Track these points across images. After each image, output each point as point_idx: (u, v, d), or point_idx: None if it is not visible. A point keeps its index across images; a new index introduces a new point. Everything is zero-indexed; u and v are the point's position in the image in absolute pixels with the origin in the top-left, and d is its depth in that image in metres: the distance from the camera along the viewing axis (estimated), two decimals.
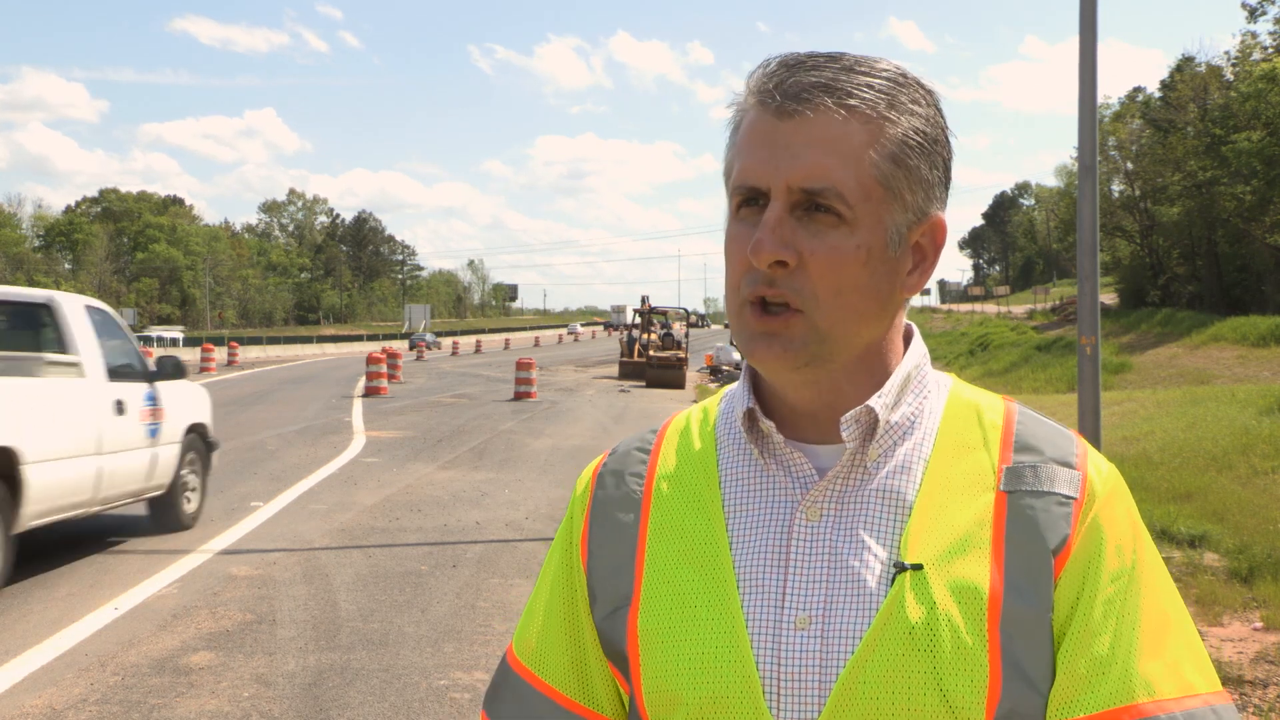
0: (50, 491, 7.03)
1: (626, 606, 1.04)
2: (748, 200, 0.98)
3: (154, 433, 8.35)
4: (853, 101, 0.95)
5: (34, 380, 7.27)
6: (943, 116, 1.01)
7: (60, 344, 7.70)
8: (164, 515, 8.74)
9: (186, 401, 9.09)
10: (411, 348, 60.45)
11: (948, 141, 1.02)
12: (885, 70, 0.98)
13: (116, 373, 8.00)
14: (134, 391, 8.11)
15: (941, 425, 1.02)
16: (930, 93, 1.01)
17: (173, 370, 8.67)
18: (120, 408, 7.83)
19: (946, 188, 1.02)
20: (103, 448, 7.58)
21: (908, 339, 1.06)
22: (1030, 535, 0.96)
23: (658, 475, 1.09)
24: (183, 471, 8.84)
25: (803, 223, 0.95)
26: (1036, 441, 1.01)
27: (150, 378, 8.48)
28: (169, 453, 8.60)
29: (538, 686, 1.11)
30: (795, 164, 0.95)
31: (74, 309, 7.89)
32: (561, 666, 1.10)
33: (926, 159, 0.99)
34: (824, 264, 0.95)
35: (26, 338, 7.94)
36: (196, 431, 9.20)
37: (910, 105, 0.98)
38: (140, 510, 9.03)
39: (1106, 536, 0.97)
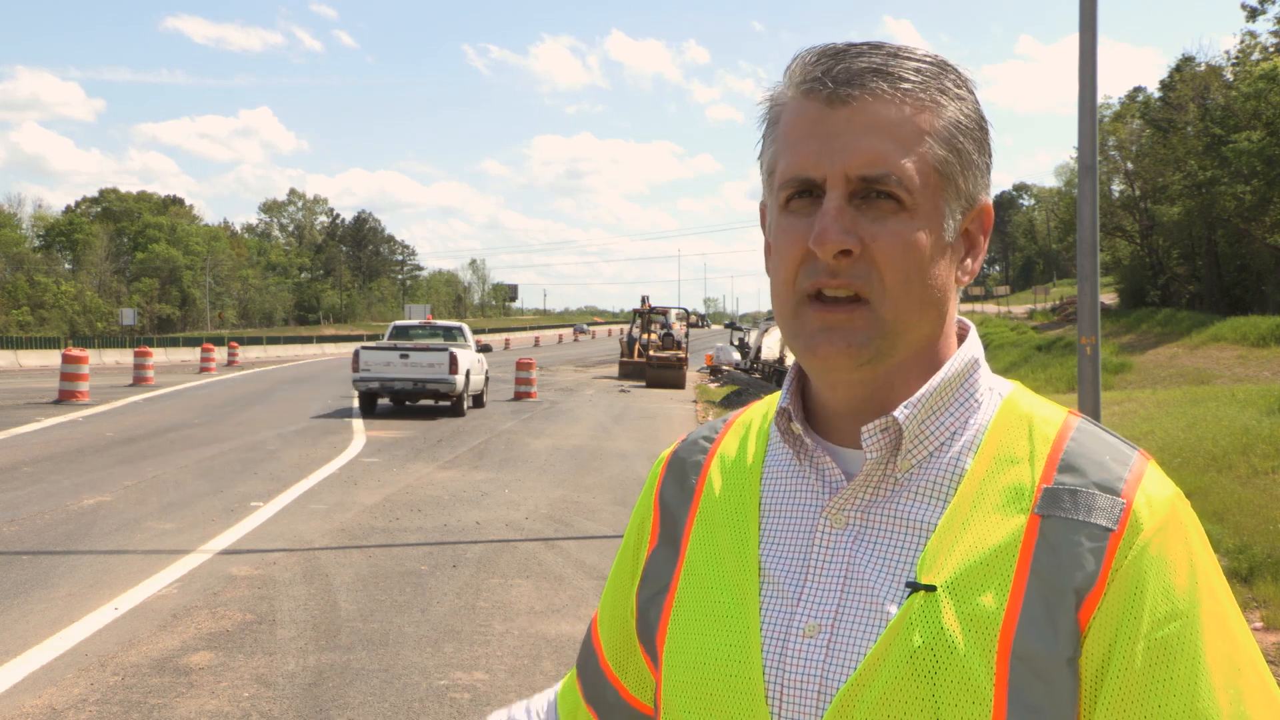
0: (472, 386, 20.68)
1: (664, 594, 1.05)
2: (799, 193, 0.94)
3: (482, 370, 21.58)
4: (906, 85, 0.93)
5: (467, 350, 20.33)
6: (979, 103, 0.99)
7: (464, 339, 21.56)
8: (478, 402, 21.60)
9: (487, 360, 22.54)
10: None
11: (988, 128, 0.99)
12: (928, 56, 0.96)
13: (475, 349, 21.43)
14: (479, 355, 21.43)
15: (986, 437, 0.96)
16: (969, 79, 0.98)
17: (484, 348, 22.16)
18: (478, 360, 21.16)
19: (990, 173, 1.00)
20: (476, 373, 20.79)
21: (962, 338, 1.02)
22: (1055, 568, 0.88)
23: (712, 468, 1.09)
24: (485, 387, 22.30)
25: (862, 211, 0.92)
26: (1083, 462, 0.92)
27: (479, 350, 21.63)
28: (482, 380, 21.70)
29: (606, 673, 1.18)
30: (853, 151, 0.91)
31: (465, 328, 22.21)
32: (625, 660, 1.16)
33: (976, 143, 0.96)
34: (889, 251, 0.91)
35: (453, 336, 21.54)
36: (487, 372, 22.59)
37: (956, 90, 0.96)
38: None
39: (1151, 575, 0.87)
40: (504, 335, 77.23)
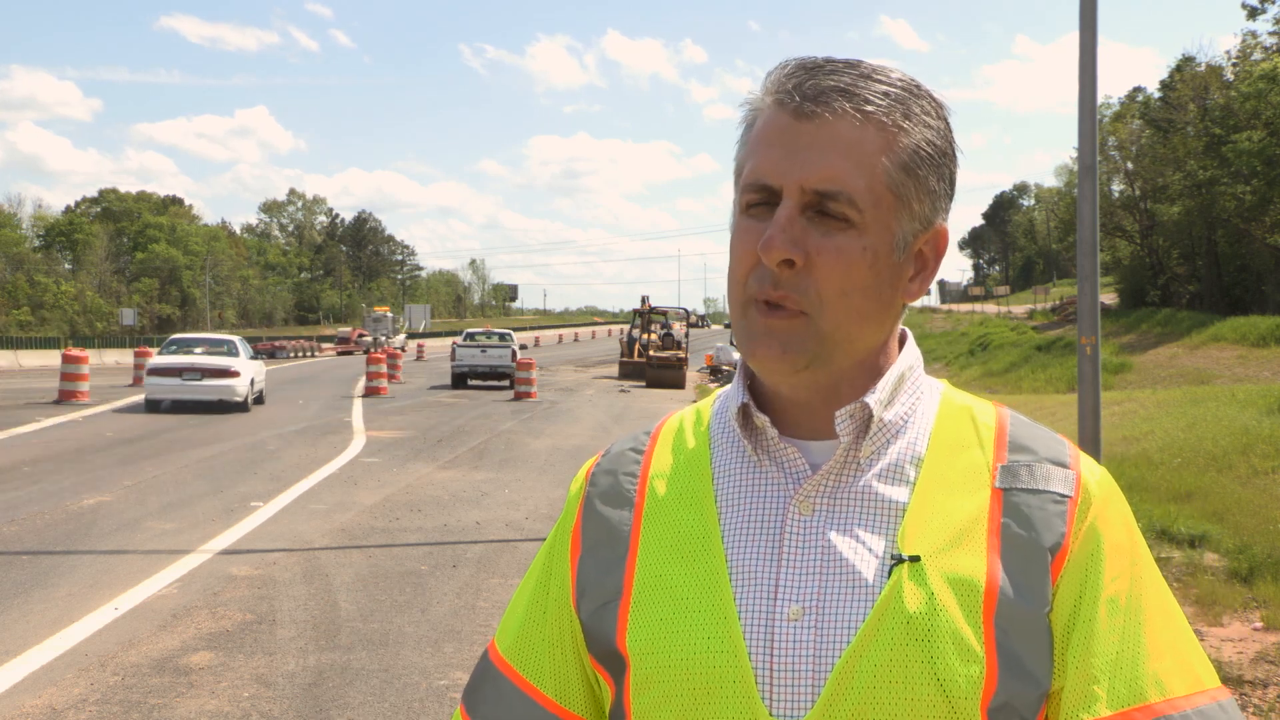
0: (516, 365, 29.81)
1: (616, 601, 1.04)
2: (758, 198, 0.99)
3: (518, 355, 31.40)
4: (870, 108, 0.97)
5: (515, 345, 32.78)
6: (951, 131, 1.03)
7: (513, 340, 33.55)
8: (514, 383, 27.45)
9: (516, 351, 31.91)
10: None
11: (955, 155, 1.03)
12: (900, 80, 1.00)
13: (516, 345, 32.97)
14: (515, 347, 32.25)
15: (936, 425, 1.04)
16: (941, 105, 1.02)
17: (523, 346, 40.06)
18: (519, 349, 33.23)
19: (951, 199, 1.04)
20: (517, 360, 29.12)
21: (901, 343, 1.08)
22: (1026, 531, 0.97)
23: (652, 474, 1.09)
24: (515, 368, 28.47)
25: (813, 223, 0.97)
26: (1030, 442, 1.03)
27: (518, 347, 33.14)
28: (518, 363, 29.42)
29: (517, 683, 1.10)
30: (810, 166, 0.96)
31: (512, 333, 35.56)
32: (541, 664, 1.10)
33: (935, 170, 1.01)
34: (830, 264, 0.96)
35: (506, 338, 33.60)
36: (517, 358, 29.89)
37: (923, 116, 1.00)
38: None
39: (1105, 538, 0.99)
40: None
